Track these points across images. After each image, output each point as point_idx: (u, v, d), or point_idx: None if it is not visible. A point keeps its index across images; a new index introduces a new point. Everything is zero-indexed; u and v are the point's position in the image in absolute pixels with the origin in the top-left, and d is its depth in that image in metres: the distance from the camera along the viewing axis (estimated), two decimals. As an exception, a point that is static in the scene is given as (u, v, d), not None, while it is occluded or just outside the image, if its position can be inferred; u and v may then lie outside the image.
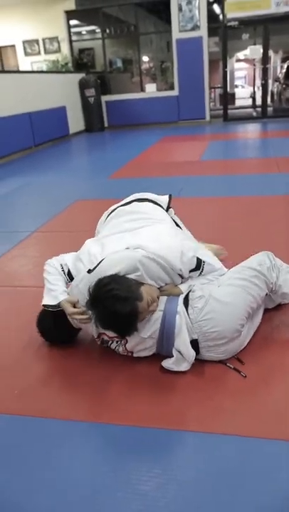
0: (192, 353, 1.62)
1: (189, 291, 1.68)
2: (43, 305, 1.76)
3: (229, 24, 9.20)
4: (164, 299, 1.66)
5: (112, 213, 2.06)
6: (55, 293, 1.72)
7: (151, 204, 2.07)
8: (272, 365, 1.69)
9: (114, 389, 1.62)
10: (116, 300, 1.46)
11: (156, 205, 2.07)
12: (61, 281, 1.76)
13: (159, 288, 1.65)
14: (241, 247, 2.54)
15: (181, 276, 1.68)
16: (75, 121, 9.54)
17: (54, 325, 1.79)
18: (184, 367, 1.64)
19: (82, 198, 4.32)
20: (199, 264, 1.72)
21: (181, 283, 1.71)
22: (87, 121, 9.97)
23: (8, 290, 2.53)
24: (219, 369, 1.66)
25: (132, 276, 1.55)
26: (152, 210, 2.02)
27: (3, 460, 1.36)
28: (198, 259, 1.71)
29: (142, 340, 1.63)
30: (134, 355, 1.70)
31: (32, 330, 1.92)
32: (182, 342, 1.60)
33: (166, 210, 2.11)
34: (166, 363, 1.64)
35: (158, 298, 1.62)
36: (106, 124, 10.26)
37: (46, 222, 3.63)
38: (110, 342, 1.70)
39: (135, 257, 1.58)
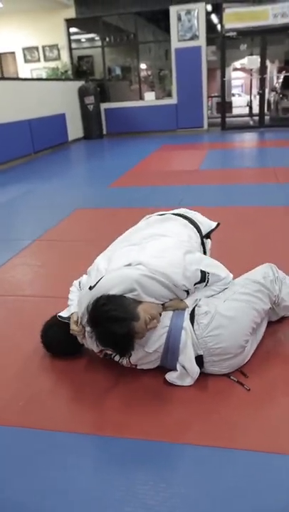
0: (196, 369, 1.62)
1: (195, 306, 1.68)
2: (58, 316, 1.84)
3: (227, 35, 9.31)
4: (170, 313, 1.66)
5: (145, 221, 2.07)
6: (70, 307, 1.82)
7: (182, 221, 1.98)
8: (275, 379, 1.70)
9: (118, 401, 1.62)
10: (113, 321, 1.46)
11: (188, 224, 1.97)
12: (77, 297, 1.82)
13: (163, 304, 1.64)
14: (242, 257, 2.56)
15: (186, 291, 1.67)
16: (74, 129, 9.58)
17: (65, 336, 1.80)
18: (188, 382, 1.64)
19: (82, 207, 4.34)
20: (204, 276, 1.70)
21: (187, 296, 1.70)
22: (86, 128, 10.01)
23: (11, 299, 2.53)
24: (223, 382, 1.67)
25: (129, 295, 1.54)
26: (175, 228, 1.92)
27: (7, 473, 1.36)
28: (202, 271, 1.69)
29: (147, 355, 1.64)
30: (138, 367, 1.71)
31: (35, 340, 1.92)
32: (187, 358, 1.61)
33: (205, 237, 2.02)
34: (170, 377, 1.65)
35: (160, 314, 1.61)
36: (104, 132, 10.31)
37: (47, 231, 3.64)
38: (114, 355, 1.70)
39: (132, 277, 1.56)
